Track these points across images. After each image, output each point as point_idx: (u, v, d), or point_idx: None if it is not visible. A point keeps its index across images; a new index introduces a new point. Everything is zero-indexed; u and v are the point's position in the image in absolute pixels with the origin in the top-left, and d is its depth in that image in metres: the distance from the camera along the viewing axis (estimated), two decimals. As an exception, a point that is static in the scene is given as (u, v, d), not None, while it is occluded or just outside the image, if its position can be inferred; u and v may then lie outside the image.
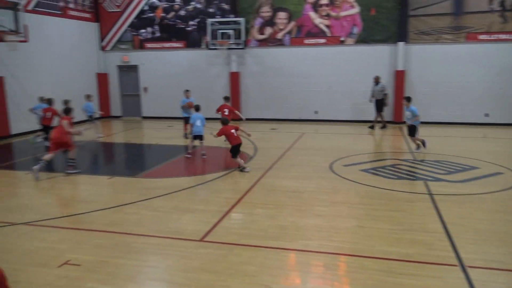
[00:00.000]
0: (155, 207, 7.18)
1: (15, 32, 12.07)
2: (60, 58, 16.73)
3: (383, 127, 15.49)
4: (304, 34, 17.11)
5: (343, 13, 16.62)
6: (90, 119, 14.22)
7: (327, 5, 16.71)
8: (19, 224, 6.49)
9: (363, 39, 16.57)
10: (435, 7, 15.74)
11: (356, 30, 16.58)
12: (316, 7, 16.84)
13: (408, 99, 11.43)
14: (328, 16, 16.78)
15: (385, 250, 5.34)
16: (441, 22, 15.79)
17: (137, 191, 8.18)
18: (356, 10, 16.47)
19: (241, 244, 5.59)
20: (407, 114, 11.29)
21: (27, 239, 5.90)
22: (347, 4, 16.50)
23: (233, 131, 9.73)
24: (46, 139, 11.98)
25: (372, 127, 15.32)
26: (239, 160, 9.68)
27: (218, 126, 10.26)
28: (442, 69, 16.00)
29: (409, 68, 16.32)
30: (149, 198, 7.65)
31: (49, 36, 16.05)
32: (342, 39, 16.75)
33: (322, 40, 16.95)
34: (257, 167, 9.80)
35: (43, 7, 15.86)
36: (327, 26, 16.85)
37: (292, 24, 17.16)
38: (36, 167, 9.02)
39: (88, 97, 14.41)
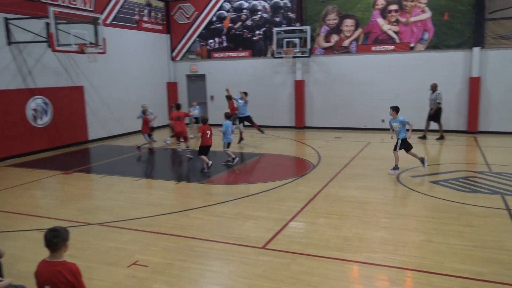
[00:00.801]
0: (219, 213, 7.32)
1: (95, 44, 12.93)
2: (134, 68, 17.68)
3: (440, 138, 14.42)
4: (372, 41, 16.72)
5: (413, 19, 16.05)
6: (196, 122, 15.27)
7: (396, 11, 16.23)
8: (93, 224, 6.91)
9: (434, 45, 15.87)
10: (515, 10, 14.73)
11: (427, 36, 15.92)
12: (384, 13, 16.41)
13: (396, 109, 10.10)
14: (397, 22, 16.28)
15: (455, 268, 5.03)
16: (522, 25, 14.74)
17: (202, 197, 8.41)
18: (427, 15, 15.82)
19: (303, 253, 5.54)
20: (394, 126, 10.00)
21: (100, 239, 6.25)
22: (418, 9, 15.91)
23: (208, 132, 10.44)
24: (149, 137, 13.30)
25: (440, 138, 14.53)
26: (204, 157, 10.37)
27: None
28: (523, 75, 14.89)
29: (485, 75, 15.36)
30: (213, 204, 7.82)
31: (124, 47, 17.03)
32: (411, 45, 16.17)
33: (391, 47, 16.47)
34: (321, 176, 9.69)
35: (120, 20, 16.88)
36: (396, 33, 16.35)
37: (359, 31, 16.85)
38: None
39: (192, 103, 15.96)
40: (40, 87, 13.45)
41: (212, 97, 19.55)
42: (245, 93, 14.42)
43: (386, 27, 16.45)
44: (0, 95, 12.16)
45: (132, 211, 7.63)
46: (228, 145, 11.27)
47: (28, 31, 12.68)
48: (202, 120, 10.81)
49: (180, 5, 19.63)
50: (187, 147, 12.52)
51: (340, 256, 5.42)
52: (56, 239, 3.42)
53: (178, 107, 13.08)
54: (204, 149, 10.43)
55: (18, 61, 12.80)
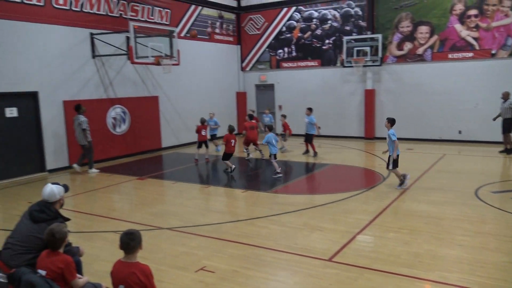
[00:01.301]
0: (285, 223, 7.30)
1: (170, 56, 13.55)
2: (205, 78, 18.27)
3: (509, 151, 13.33)
4: (448, 48, 15.92)
5: (495, 24, 15.06)
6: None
7: (476, 16, 15.33)
8: (164, 228, 7.19)
9: (519, 51, 14.77)
10: None
11: (511, 42, 14.86)
12: (463, 18, 15.57)
13: (391, 121, 9.43)
14: (477, 27, 15.37)
15: (543, 294, 4.60)
16: None
17: (268, 206, 8.44)
18: (511, 19, 14.79)
19: (371, 268, 5.36)
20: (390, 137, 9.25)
21: (170, 243, 6.49)
22: (501, 13, 14.92)
23: (232, 141, 11.42)
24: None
25: (505, 151, 13.41)
26: (227, 162, 11.42)
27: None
28: None
29: None
30: (279, 213, 7.82)
31: (197, 58, 17.67)
32: (493, 52, 15.16)
33: (469, 54, 15.56)
34: (391, 189, 9.34)
35: (193, 33, 17.58)
36: (475, 39, 15.43)
37: (435, 38, 16.12)
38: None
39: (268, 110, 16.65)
40: (120, 97, 14.33)
41: (280, 107, 19.65)
42: (310, 109, 14.01)
43: (464, 33, 15.59)
44: (84, 104, 13.08)
45: (200, 217, 7.84)
46: (274, 156, 11.12)
47: (110, 44, 13.60)
48: (229, 130, 11.62)
49: (251, 16, 20.03)
50: (260, 151, 13.60)
51: (410, 273, 5.17)
52: (131, 242, 3.62)
53: (251, 117, 13.98)
54: (227, 155, 11.52)
55: (100, 73, 13.76)
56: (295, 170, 12.35)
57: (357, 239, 6.43)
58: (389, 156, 9.50)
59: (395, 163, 9.44)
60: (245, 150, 13.67)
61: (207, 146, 13.42)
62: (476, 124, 15.57)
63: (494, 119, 13.75)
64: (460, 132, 15.89)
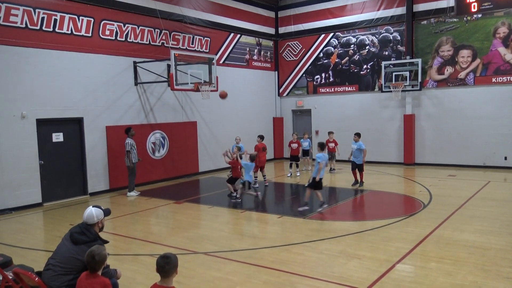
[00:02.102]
0: (321, 250, 7.16)
1: (208, 83, 13.86)
2: (243, 104, 18.52)
3: None
4: (492, 72, 15.45)
5: (541, 46, 14.54)
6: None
7: (520, 38, 14.88)
8: (199, 253, 7.21)
9: None
10: None
11: (559, 65, 14.26)
12: (507, 41, 15.12)
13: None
14: (521, 50, 14.89)
15: None
16: None
17: (304, 232, 8.31)
18: (559, 41, 14.24)
19: (411, 300, 5.13)
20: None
21: (205, 268, 6.49)
22: (547, 35, 14.40)
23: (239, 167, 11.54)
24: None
25: None
26: (235, 185, 11.58)
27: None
28: None
29: None
30: (316, 240, 7.68)
31: (235, 84, 17.97)
32: (540, 75, 14.58)
33: (514, 78, 15.04)
34: (432, 217, 9.01)
35: (232, 60, 17.95)
36: (521, 62, 14.92)
37: (477, 61, 15.71)
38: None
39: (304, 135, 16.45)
40: (159, 122, 14.74)
41: (317, 132, 19.56)
42: (358, 135, 13.23)
43: (509, 56, 15.11)
44: (126, 129, 13.57)
45: (235, 242, 7.81)
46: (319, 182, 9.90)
47: (152, 72, 14.10)
48: (240, 157, 11.85)
49: (288, 43, 20.28)
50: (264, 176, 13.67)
51: (454, 307, 4.92)
52: (167, 265, 3.65)
53: (262, 138, 14.02)
54: (233, 180, 11.78)
55: (142, 99, 14.25)
56: (333, 195, 12.16)
57: (396, 269, 6.20)
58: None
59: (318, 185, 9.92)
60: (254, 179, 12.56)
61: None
62: (524, 150, 14.88)
63: None
64: (506, 158, 15.22)
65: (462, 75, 16.04)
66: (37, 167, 11.41)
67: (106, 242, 4.62)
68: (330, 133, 15.89)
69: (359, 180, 12.90)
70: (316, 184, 9.82)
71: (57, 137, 12.03)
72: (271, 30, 20.23)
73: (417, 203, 10.47)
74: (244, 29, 18.48)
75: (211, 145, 16.85)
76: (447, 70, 16.32)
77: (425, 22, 16.66)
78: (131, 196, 12.39)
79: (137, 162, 12.64)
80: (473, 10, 15.44)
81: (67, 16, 12.01)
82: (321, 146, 10.14)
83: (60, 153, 12.08)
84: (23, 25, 11.10)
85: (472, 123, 15.77)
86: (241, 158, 11.85)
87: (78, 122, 12.47)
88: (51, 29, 11.68)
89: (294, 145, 15.15)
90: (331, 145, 15.60)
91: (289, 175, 15.28)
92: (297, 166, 15.37)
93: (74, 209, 11.07)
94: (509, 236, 7.58)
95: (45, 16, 11.52)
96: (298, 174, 15.30)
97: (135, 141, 12.61)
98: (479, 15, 15.53)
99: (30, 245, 7.97)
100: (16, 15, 10.94)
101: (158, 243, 7.83)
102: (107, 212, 4.80)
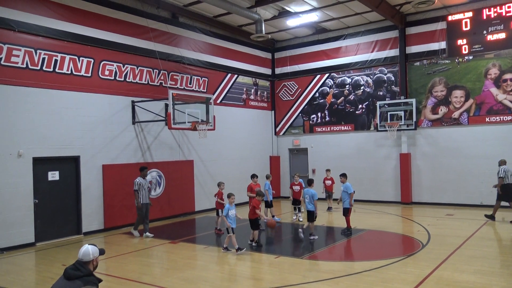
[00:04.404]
0: (319, 291, 7.00)
1: (206, 122, 13.98)
2: (239, 143, 18.61)
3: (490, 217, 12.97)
4: (485, 111, 15.68)
5: (532, 87, 14.85)
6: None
7: (511, 79, 15.21)
8: (194, 294, 7.02)
9: (561, 114, 14.35)
10: None
11: (550, 105, 14.51)
12: (498, 82, 15.45)
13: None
14: (513, 91, 15.19)
15: None
16: None
17: (301, 273, 8.16)
18: (549, 82, 14.56)
19: None
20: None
21: (200, 310, 6.30)
22: (537, 76, 14.74)
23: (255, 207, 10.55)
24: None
25: None
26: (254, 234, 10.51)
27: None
28: None
29: None
30: (313, 281, 7.52)
31: (231, 124, 18.14)
32: (532, 115, 14.80)
33: (508, 117, 15.23)
34: (431, 257, 8.88)
35: (229, 100, 18.20)
36: (513, 102, 15.18)
37: (470, 101, 15.98)
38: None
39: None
40: (156, 161, 14.73)
41: (313, 171, 19.56)
42: (345, 175, 12.39)
43: (501, 96, 15.39)
44: (123, 168, 13.52)
45: (232, 283, 7.64)
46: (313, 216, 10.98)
47: (150, 111, 14.24)
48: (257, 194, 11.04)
49: (285, 83, 20.64)
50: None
51: None
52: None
53: (254, 176, 13.73)
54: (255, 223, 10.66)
55: (139, 138, 14.31)
56: (330, 235, 12.01)
57: (395, 311, 6.05)
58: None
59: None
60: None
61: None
62: (521, 189, 14.86)
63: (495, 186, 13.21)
64: (503, 197, 15.18)
65: (456, 114, 16.27)
66: (31, 206, 11.29)
67: (100, 280, 4.52)
68: (327, 170, 15.91)
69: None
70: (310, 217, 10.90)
71: (53, 175, 11.98)
72: (268, 71, 20.64)
73: (416, 242, 10.35)
74: (241, 69, 18.84)
75: (208, 184, 16.77)
76: (441, 110, 16.56)
77: (418, 63, 17.07)
78: (134, 235, 12.09)
79: (148, 204, 12.14)
80: (464, 52, 15.92)
81: (67, 57, 12.26)
82: (309, 182, 11.35)
83: (55, 191, 12.00)
84: (24, 65, 11.30)
85: (467, 162, 15.84)
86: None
87: (74, 161, 12.46)
88: (51, 69, 11.89)
89: (297, 188, 13.70)
90: (328, 182, 15.57)
91: (294, 218, 14.09)
92: (299, 210, 13.97)
93: (67, 249, 10.87)
94: (510, 276, 7.45)
95: (46, 56, 11.75)
96: (301, 219, 13.76)
97: (146, 181, 12.32)
98: (470, 57, 15.94)
99: (20, 287, 7.76)
100: (18, 56, 11.16)
101: (152, 284, 7.64)
102: (101, 252, 4.74)
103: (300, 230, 11.30)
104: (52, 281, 4.58)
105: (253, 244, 10.46)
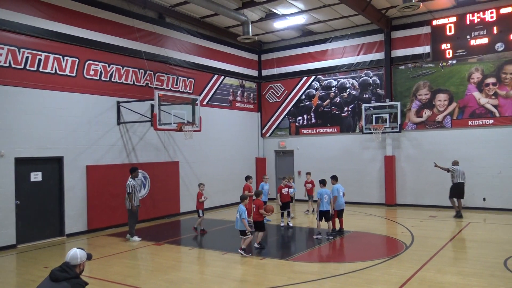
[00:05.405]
0: (304, 293, 7.02)
1: (192, 123, 13.92)
2: (225, 144, 18.57)
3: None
4: (468, 115, 15.94)
5: (513, 91, 15.14)
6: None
7: (494, 84, 15.48)
8: (179, 296, 6.98)
9: (541, 118, 14.67)
10: None
11: (531, 109, 14.82)
12: (481, 86, 15.72)
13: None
14: (495, 95, 15.46)
15: None
16: None
17: (287, 274, 8.18)
18: (530, 87, 14.86)
19: None
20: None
21: (184, 312, 6.27)
22: (518, 81, 15.04)
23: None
24: None
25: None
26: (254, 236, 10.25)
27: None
28: None
29: None
30: (298, 283, 7.55)
31: (218, 125, 18.10)
32: (514, 119, 15.10)
33: (490, 121, 15.51)
34: (415, 258, 8.98)
35: (215, 101, 18.16)
36: (495, 106, 15.45)
37: (454, 105, 16.22)
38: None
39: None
40: (141, 162, 14.62)
41: (299, 172, 19.63)
42: (323, 182, 11.78)
43: (483, 100, 15.67)
44: (107, 169, 13.39)
45: (217, 285, 7.62)
46: (321, 216, 11.13)
47: (135, 112, 14.14)
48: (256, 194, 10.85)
49: (271, 85, 20.69)
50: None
51: None
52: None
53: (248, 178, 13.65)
54: (256, 224, 10.40)
55: (124, 139, 14.19)
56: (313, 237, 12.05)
57: (379, 312, 6.10)
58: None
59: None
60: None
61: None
62: (501, 191, 15.16)
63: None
64: (484, 199, 15.46)
65: (439, 118, 16.50)
66: (13, 207, 11.10)
67: (86, 284, 4.47)
68: (307, 173, 15.88)
69: (337, 228, 11.81)
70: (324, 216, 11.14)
71: (36, 176, 11.80)
72: (255, 73, 20.66)
73: (400, 244, 10.46)
74: (228, 71, 18.83)
75: (193, 185, 16.66)
76: (425, 113, 16.78)
77: (403, 67, 17.27)
78: (134, 240, 11.59)
79: (138, 206, 11.80)
80: (448, 56, 16.18)
81: (51, 56, 12.10)
82: (323, 182, 11.44)
83: (38, 192, 11.81)
84: (7, 64, 11.11)
85: (450, 164, 16.04)
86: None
87: (58, 161, 12.29)
88: (35, 69, 11.72)
89: (285, 190, 13.17)
90: (309, 185, 15.52)
91: (283, 225, 13.41)
92: (289, 214, 13.37)
93: (49, 251, 10.72)
94: (490, 277, 7.58)
95: (30, 55, 11.58)
96: (291, 224, 13.29)
97: (137, 182, 12.09)
98: (454, 61, 16.20)
99: (1, 289, 7.64)
100: (0, 54, 10.97)
101: (136, 286, 7.58)
102: (89, 257, 4.70)
103: (319, 237, 11.24)
104: (34, 283, 4.52)
105: (259, 247, 10.22)
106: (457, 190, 14.31)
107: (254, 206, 10.23)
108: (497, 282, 7.31)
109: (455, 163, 14.61)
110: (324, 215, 11.15)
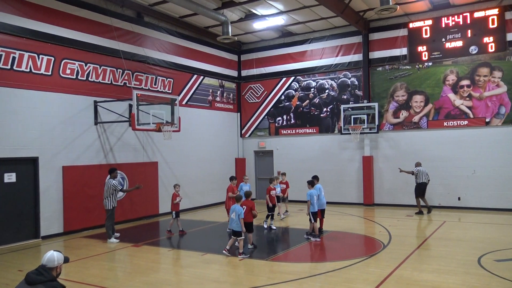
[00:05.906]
0: (283, 293, 7.04)
1: (171, 123, 13.81)
2: (205, 145, 18.49)
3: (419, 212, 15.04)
4: (443, 116, 16.29)
5: (487, 93, 15.53)
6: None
7: (468, 86, 15.85)
8: (158, 298, 6.91)
9: (513, 120, 15.10)
10: None
11: (504, 111, 15.23)
12: (456, 88, 16.08)
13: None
14: (470, 97, 15.84)
15: None
16: None
17: (266, 274, 8.20)
18: (503, 89, 15.26)
19: None
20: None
21: (163, 314, 6.21)
22: (492, 83, 15.43)
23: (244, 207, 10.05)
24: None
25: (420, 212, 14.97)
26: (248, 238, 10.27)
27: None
28: None
29: None
30: (278, 283, 7.57)
31: (197, 125, 18.01)
32: (487, 120, 15.50)
33: (464, 122, 15.88)
34: (392, 257, 9.12)
35: (195, 101, 18.06)
36: (469, 107, 15.83)
37: (430, 106, 16.55)
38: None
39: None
40: (119, 162, 14.42)
41: (279, 173, 19.66)
42: (311, 183, 11.71)
43: (458, 102, 16.03)
44: (84, 170, 13.16)
45: (195, 286, 7.57)
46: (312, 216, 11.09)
47: (113, 112, 13.94)
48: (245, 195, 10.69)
49: (251, 85, 20.70)
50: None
51: None
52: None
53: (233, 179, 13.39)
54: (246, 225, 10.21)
55: (102, 139, 13.97)
56: (293, 237, 12.11)
57: (357, 311, 6.17)
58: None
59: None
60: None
61: None
62: (475, 190, 15.54)
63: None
64: (459, 199, 15.82)
65: (416, 119, 16.80)
66: (-15, 209, 10.80)
67: (63, 287, 4.39)
68: (283, 174, 15.45)
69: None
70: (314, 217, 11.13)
71: (9, 177, 11.51)
72: (234, 73, 20.63)
73: (377, 243, 10.60)
74: (207, 71, 18.75)
75: (172, 186, 16.54)
76: (402, 114, 17.07)
77: (380, 68, 17.53)
78: (113, 242, 11.42)
79: (115, 207, 11.70)
80: (424, 58, 16.50)
81: (26, 54, 11.82)
82: (311, 183, 11.33)
83: (12, 194, 11.51)
84: (-21, 62, 10.81)
85: (426, 165, 16.31)
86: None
87: (32, 162, 12.01)
88: (8, 67, 11.43)
89: (274, 192, 13.00)
90: (283, 186, 14.76)
91: (266, 226, 13.05)
92: (272, 217, 13.08)
93: (24, 254, 10.46)
94: (465, 275, 7.76)
95: (3, 53, 11.29)
96: (274, 227, 12.99)
97: (117, 182, 11.86)
98: (430, 63, 16.53)
99: (-28, 293, 7.42)
100: (-28, 52, 10.67)
101: (113, 288, 7.47)
102: (66, 260, 4.62)
103: (309, 236, 11.26)
104: (8, 287, 4.39)
105: (253, 247, 10.24)
106: (420, 190, 15.02)
107: (245, 206, 10.06)
108: (471, 280, 7.48)
109: (418, 164, 15.30)
110: (314, 215, 11.14)
